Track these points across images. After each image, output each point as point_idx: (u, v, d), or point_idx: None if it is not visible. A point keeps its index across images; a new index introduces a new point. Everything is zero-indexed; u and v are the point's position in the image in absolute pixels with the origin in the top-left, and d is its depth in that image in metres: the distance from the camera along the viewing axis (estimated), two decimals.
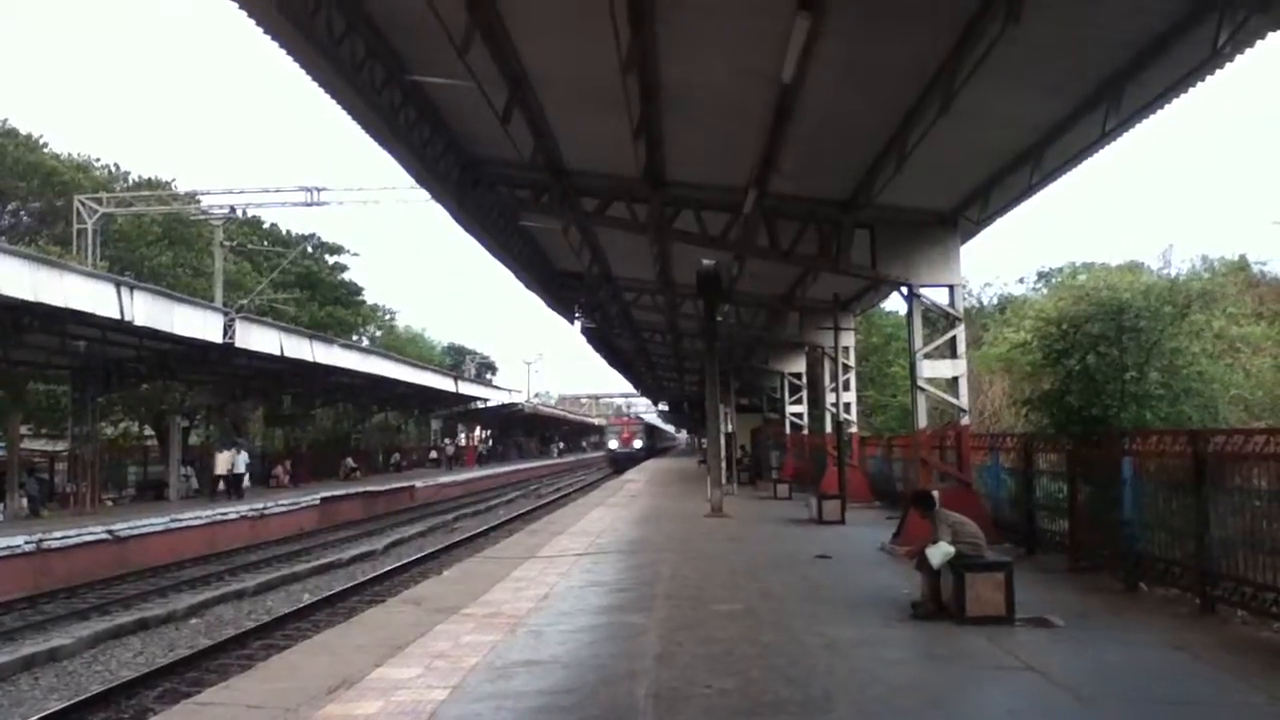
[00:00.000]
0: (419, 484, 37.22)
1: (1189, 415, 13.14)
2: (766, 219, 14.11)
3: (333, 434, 43.85)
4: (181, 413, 30.29)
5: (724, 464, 20.48)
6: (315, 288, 47.38)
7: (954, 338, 13.63)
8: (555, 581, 10.42)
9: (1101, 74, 9.41)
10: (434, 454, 52.73)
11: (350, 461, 38.75)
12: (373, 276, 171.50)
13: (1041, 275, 33.52)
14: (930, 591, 7.99)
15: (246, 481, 27.42)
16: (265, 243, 43.45)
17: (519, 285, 22.47)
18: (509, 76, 10.56)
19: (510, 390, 64.47)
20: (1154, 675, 6.24)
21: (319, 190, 33.78)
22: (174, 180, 39.64)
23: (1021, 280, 41.59)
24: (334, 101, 10.66)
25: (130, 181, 38.31)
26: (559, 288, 24.39)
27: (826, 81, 9.74)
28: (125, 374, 23.94)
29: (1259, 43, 7.85)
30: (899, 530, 12.73)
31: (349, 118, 11.14)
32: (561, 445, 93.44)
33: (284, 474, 32.80)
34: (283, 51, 9.53)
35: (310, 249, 47.84)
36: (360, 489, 32.36)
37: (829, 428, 22.37)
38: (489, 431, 71.78)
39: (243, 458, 26.96)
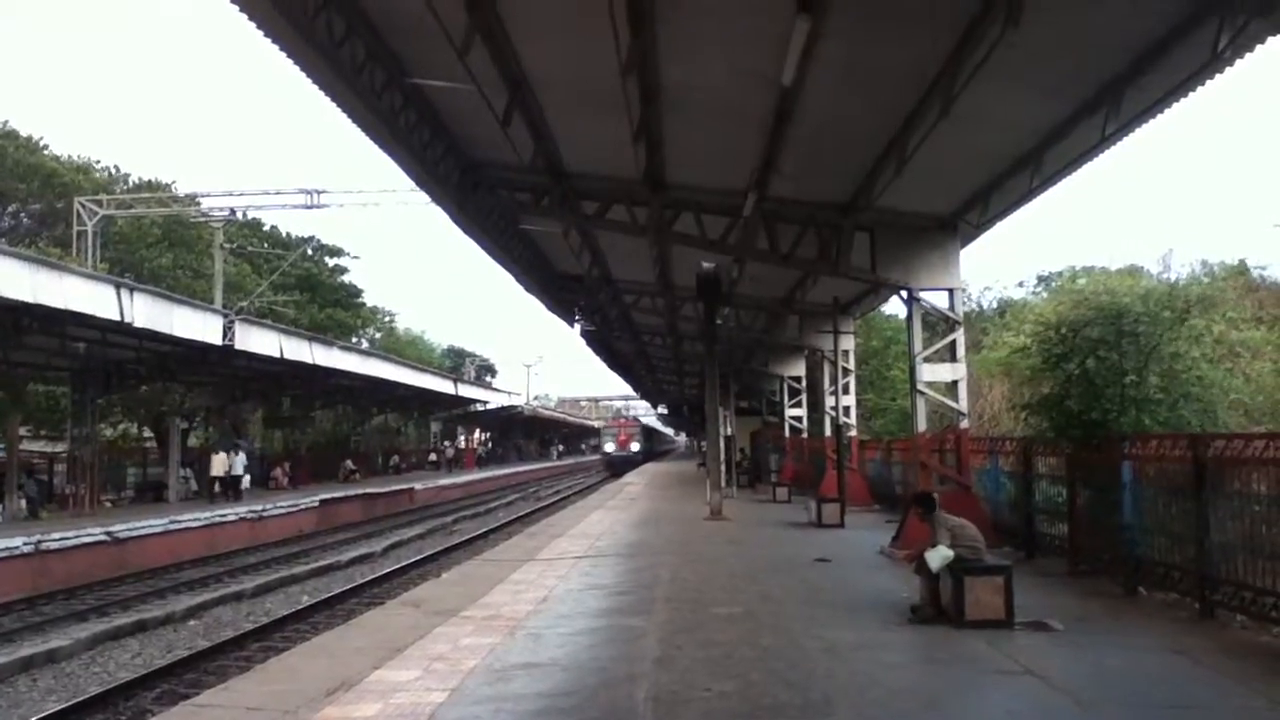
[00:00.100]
0: (418, 486, 37.20)
1: (1188, 420, 13.11)
2: (766, 222, 14.13)
3: (332, 436, 43.85)
4: (181, 414, 30.27)
5: (723, 467, 20.48)
6: (315, 290, 47.44)
7: (953, 341, 13.64)
8: (554, 584, 10.41)
9: (1101, 78, 9.42)
10: (433, 456, 52.71)
11: (349, 464, 38.71)
12: (373, 279, 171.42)
13: (1041, 279, 33.70)
14: (929, 595, 7.98)
15: (246, 483, 27.42)
16: (265, 245, 43.53)
17: (519, 288, 22.53)
18: (509, 79, 10.57)
19: (510, 393, 64.38)
20: (1154, 679, 6.23)
21: (319, 192, 33.87)
22: (174, 182, 39.79)
23: (1021, 284, 41.70)
24: (334, 105, 10.67)
25: (130, 183, 38.40)
26: (559, 290, 24.41)
27: (826, 84, 9.76)
28: (125, 375, 23.91)
29: (1259, 47, 7.87)
30: (898, 534, 12.73)
31: (349, 121, 11.15)
32: (561, 448, 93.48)
33: (283, 476, 32.78)
34: (283, 54, 9.54)
35: (310, 251, 47.92)
36: (359, 491, 32.32)
37: (828, 431, 22.39)
38: (488, 434, 71.76)
39: (241, 459, 26.94)
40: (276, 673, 6.99)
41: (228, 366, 25.59)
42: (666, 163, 13.24)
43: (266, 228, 46.16)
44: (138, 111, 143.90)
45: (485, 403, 55.82)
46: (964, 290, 16.70)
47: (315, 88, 10.20)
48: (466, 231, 16.20)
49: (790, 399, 27.96)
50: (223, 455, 26.43)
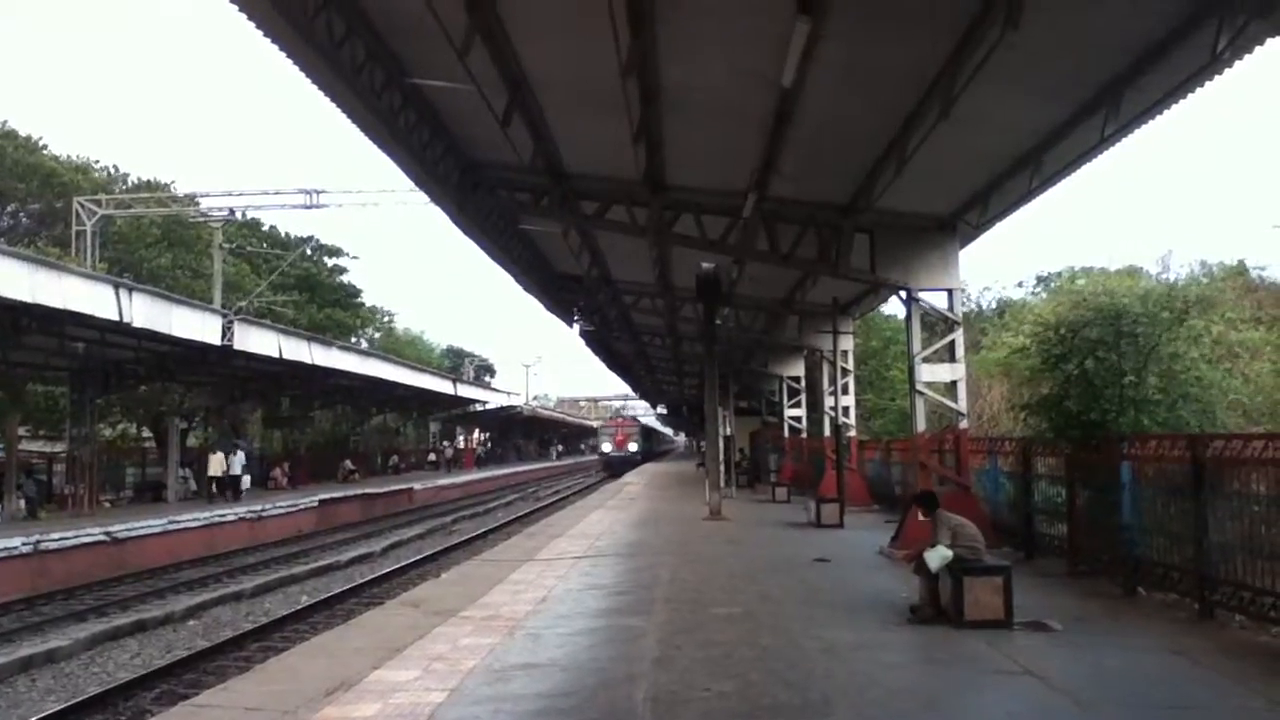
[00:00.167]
0: (417, 486, 37.20)
1: (1187, 420, 13.13)
2: (766, 223, 14.14)
3: (331, 436, 43.84)
4: (180, 414, 30.27)
5: (722, 467, 20.49)
6: (314, 290, 47.44)
7: (953, 342, 13.65)
8: (554, 584, 10.41)
9: (1100, 79, 9.43)
10: (432, 456, 52.72)
11: (349, 464, 38.71)
12: (372, 279, 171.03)
13: (1040, 280, 33.66)
14: (929, 595, 7.98)
15: (246, 483, 27.40)
16: (264, 245, 43.51)
17: (518, 288, 22.52)
18: (509, 79, 10.57)
19: (509, 393, 64.35)
20: (1153, 680, 6.23)
21: (318, 192, 33.86)
22: (173, 182, 39.74)
23: (1020, 284, 41.68)
24: (334, 105, 10.67)
25: (129, 183, 38.37)
26: (558, 291, 24.42)
27: (826, 85, 9.77)
28: (124, 375, 23.91)
29: (1258, 48, 7.88)
30: (897, 534, 12.74)
31: (349, 121, 11.15)
32: (560, 448, 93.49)
33: (282, 476, 32.78)
34: (282, 54, 9.54)
35: (309, 251, 47.89)
36: (359, 491, 32.32)
37: (827, 431, 22.39)
38: (488, 434, 71.75)
39: (240, 459, 26.93)
40: (276, 673, 6.99)
41: (227, 366, 25.58)
42: (666, 163, 13.25)
43: (266, 228, 46.15)
44: (137, 111, 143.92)
45: (484, 403, 55.84)
46: (963, 290, 16.70)
47: (315, 88, 10.20)
48: (466, 232, 16.20)
49: (789, 399, 27.97)
50: (219, 455, 26.42)
